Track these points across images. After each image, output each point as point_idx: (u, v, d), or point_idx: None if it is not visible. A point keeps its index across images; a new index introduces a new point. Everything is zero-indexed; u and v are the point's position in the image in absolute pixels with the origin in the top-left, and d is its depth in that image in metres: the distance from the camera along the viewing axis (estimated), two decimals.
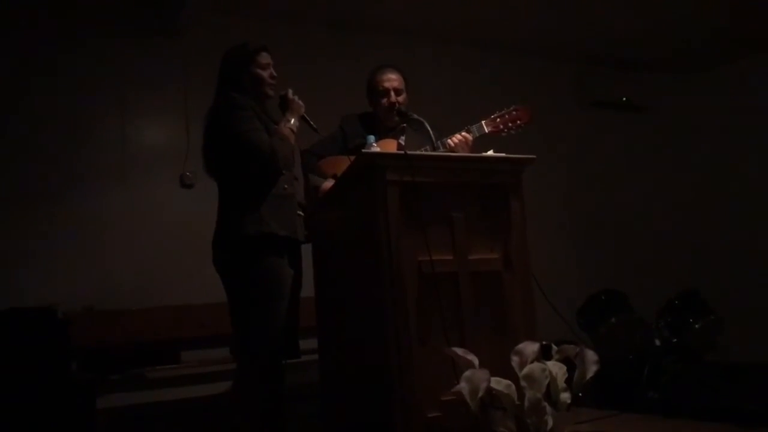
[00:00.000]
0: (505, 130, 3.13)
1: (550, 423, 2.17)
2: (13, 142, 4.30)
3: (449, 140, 3.10)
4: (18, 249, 4.17)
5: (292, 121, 2.97)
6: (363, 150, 2.58)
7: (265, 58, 2.99)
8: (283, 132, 2.90)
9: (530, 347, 2.28)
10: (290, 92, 3.03)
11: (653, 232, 6.46)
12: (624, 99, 6.51)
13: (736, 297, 5.50)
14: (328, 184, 3.14)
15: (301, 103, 3.02)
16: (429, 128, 2.92)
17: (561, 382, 2.25)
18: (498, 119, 3.14)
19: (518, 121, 3.13)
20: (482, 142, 3.11)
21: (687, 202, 6.59)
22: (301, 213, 2.97)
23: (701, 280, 5.13)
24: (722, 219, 6.42)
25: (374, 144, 2.76)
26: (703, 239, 6.44)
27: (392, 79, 3.29)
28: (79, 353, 3.84)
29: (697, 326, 4.18)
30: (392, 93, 3.26)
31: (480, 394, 2.15)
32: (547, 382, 2.21)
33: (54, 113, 4.42)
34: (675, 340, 4.15)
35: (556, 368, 2.26)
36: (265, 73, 2.98)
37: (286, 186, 2.88)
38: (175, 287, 4.40)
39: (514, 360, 2.26)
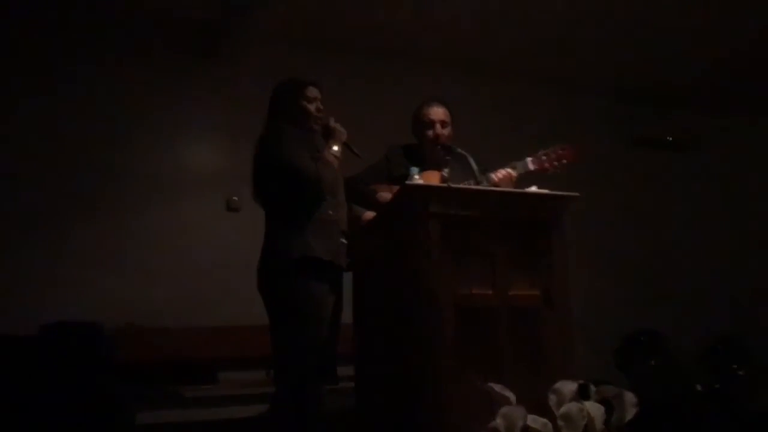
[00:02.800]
0: (550, 169, 3.12)
1: None
2: (66, 156, 4.46)
3: (493, 175, 3.11)
4: (67, 264, 4.30)
5: (335, 147, 3.03)
6: (407, 181, 2.61)
7: (312, 92, 3.07)
8: (326, 158, 2.96)
9: (568, 386, 2.27)
10: (332, 120, 3.10)
11: (695, 275, 6.33)
12: (669, 138, 6.46)
13: None
14: (370, 214, 3.17)
15: (343, 130, 3.09)
16: (472, 162, 2.94)
17: (599, 424, 2.23)
18: (543, 157, 3.14)
19: (564, 160, 3.12)
20: (527, 179, 3.11)
21: (732, 245, 6.46)
22: (344, 240, 3.01)
23: (743, 327, 5.01)
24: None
25: (417, 176, 2.80)
26: (747, 285, 6.29)
27: (438, 113, 3.32)
28: (120, 369, 3.91)
29: (741, 374, 4.08)
30: (438, 126, 3.29)
31: (516, 431, 2.14)
32: (584, 422, 2.20)
33: (109, 132, 4.59)
34: (717, 386, 4.06)
35: (594, 409, 2.25)
36: (311, 107, 3.05)
37: (330, 212, 2.93)
38: (216, 308, 4.48)
39: (552, 398, 2.25)
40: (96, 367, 3.53)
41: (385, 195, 3.11)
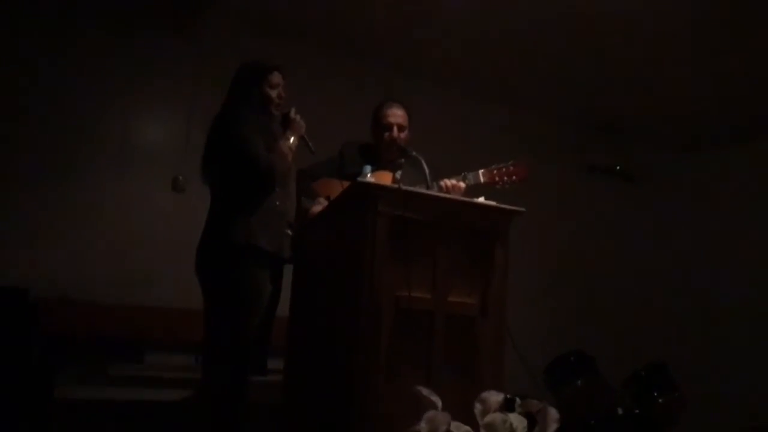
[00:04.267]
0: (500, 183, 3.18)
1: None
2: (12, 120, 4.32)
3: (443, 182, 3.15)
4: (2, 226, 4.16)
5: (292, 139, 3.01)
6: (358, 179, 2.61)
7: (276, 78, 3.04)
8: (281, 149, 2.94)
9: (494, 397, 2.30)
10: (293, 111, 3.08)
11: (635, 300, 6.53)
12: (618, 167, 6.67)
13: (706, 375, 5.55)
14: (318, 207, 3.16)
15: (302, 123, 3.07)
16: (426, 167, 2.96)
17: None
18: (495, 171, 3.19)
19: (514, 176, 3.17)
20: (478, 190, 3.15)
21: (670, 274, 6.68)
22: (289, 232, 2.99)
23: (676, 354, 5.16)
24: (703, 294, 6.50)
25: (370, 174, 2.80)
26: (685, 312, 6.52)
27: (397, 115, 3.33)
28: (44, 339, 3.80)
29: (660, 400, 4.19)
30: (395, 128, 3.30)
31: None
32: None
33: (58, 101, 4.46)
34: (637, 411, 4.15)
35: (518, 421, 2.28)
36: (273, 93, 3.02)
37: (278, 202, 2.91)
38: (151, 288, 4.40)
39: (477, 407, 2.27)
40: (17, 335, 3.41)
41: (317, 207, 3.11)
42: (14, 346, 3.42)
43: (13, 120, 4.32)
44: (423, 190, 2.93)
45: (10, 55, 4.36)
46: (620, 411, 4.13)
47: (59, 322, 3.93)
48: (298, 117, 3.07)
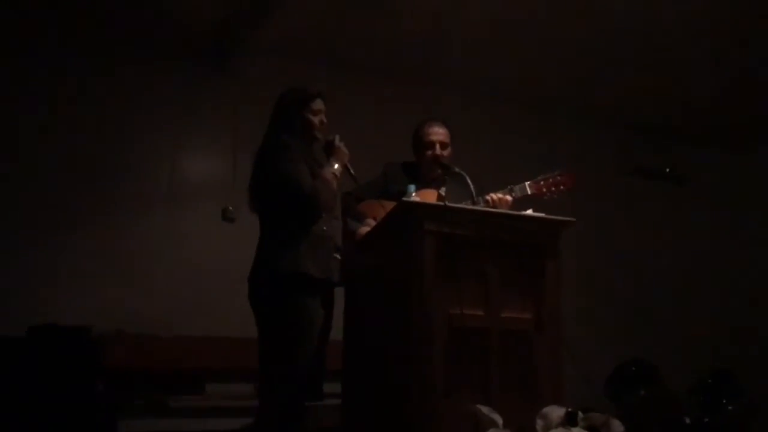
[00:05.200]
0: (548, 194, 3.13)
1: None
2: (66, 162, 4.47)
3: (489, 197, 3.12)
4: (61, 266, 4.30)
5: (336, 166, 3.02)
6: (403, 198, 2.61)
7: (318, 104, 3.05)
8: (326, 176, 2.95)
9: (556, 412, 2.25)
10: (337, 138, 3.09)
11: (690, 305, 6.33)
12: (667, 170, 6.49)
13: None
14: (365, 229, 3.17)
15: (346, 151, 3.07)
16: (470, 183, 2.94)
17: None
18: (542, 182, 3.15)
19: (561, 186, 3.13)
20: (524, 202, 3.12)
21: (727, 278, 6.46)
22: (337, 256, 3.00)
23: (739, 361, 4.99)
24: (763, 299, 6.27)
25: (414, 193, 2.79)
26: (741, 318, 6.28)
27: (438, 133, 3.33)
28: (107, 374, 3.88)
29: (730, 408, 4.05)
30: (437, 146, 3.30)
31: None
32: None
33: (108, 139, 4.60)
34: (707, 420, 4.03)
35: None
36: (315, 119, 3.04)
37: (325, 228, 2.93)
38: (206, 318, 4.47)
39: (539, 423, 2.23)
40: (81, 372, 3.50)
41: (364, 229, 3.11)
42: (79, 382, 3.51)
43: (64, 162, 4.47)
44: (469, 206, 2.92)
45: (58, 97, 4.53)
46: (688, 420, 4.02)
47: (121, 357, 4.01)
48: (342, 144, 3.07)
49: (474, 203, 2.98)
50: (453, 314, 2.40)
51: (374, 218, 3.12)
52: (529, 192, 3.15)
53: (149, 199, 4.66)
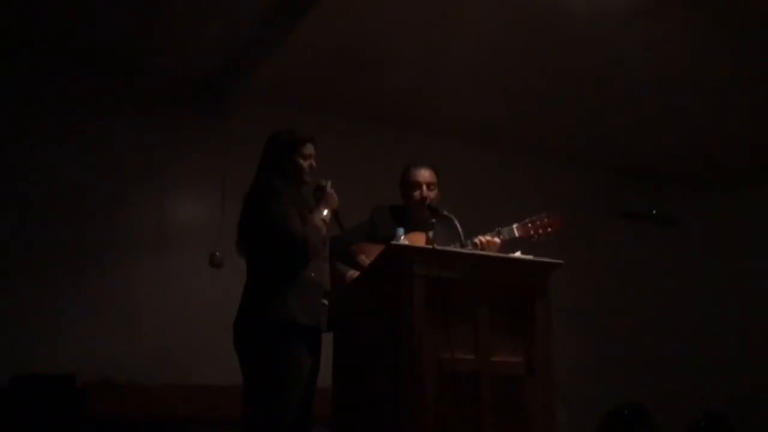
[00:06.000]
0: (535, 236, 3.14)
1: None
2: (50, 207, 4.45)
3: (477, 239, 3.12)
4: (44, 314, 4.24)
5: (325, 212, 3.01)
6: (392, 242, 2.61)
7: (309, 149, 3.04)
8: (315, 222, 2.94)
9: None
10: (329, 185, 3.08)
11: (681, 347, 6.31)
12: (654, 212, 6.55)
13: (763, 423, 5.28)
14: (354, 273, 3.16)
15: (336, 198, 3.07)
16: (458, 225, 2.95)
17: None
18: (529, 224, 3.16)
19: (549, 228, 3.14)
20: (513, 245, 3.12)
21: (718, 320, 6.46)
22: (325, 302, 2.98)
23: (731, 403, 4.95)
24: (755, 343, 6.25)
25: (403, 236, 2.79)
26: (733, 360, 6.26)
27: (425, 175, 3.34)
28: (92, 424, 3.80)
29: None
30: (425, 187, 3.31)
31: None
32: None
33: (94, 183, 4.59)
34: None
35: None
36: (305, 164, 3.03)
37: (313, 274, 2.90)
38: (193, 365, 4.40)
39: None
40: (66, 422, 3.42)
41: (367, 256, 3.10)
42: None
43: (49, 207, 4.44)
44: (458, 249, 2.92)
45: (41, 139, 4.53)
46: None
47: (105, 406, 3.94)
48: (333, 192, 3.07)
49: (462, 246, 2.99)
50: (444, 358, 2.38)
51: (367, 258, 3.11)
52: (516, 234, 3.15)
53: (135, 242, 4.63)
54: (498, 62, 4.76)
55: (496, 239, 3.13)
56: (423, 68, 4.84)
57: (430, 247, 2.57)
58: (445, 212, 3.07)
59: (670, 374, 6.03)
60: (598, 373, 5.71)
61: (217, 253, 4.66)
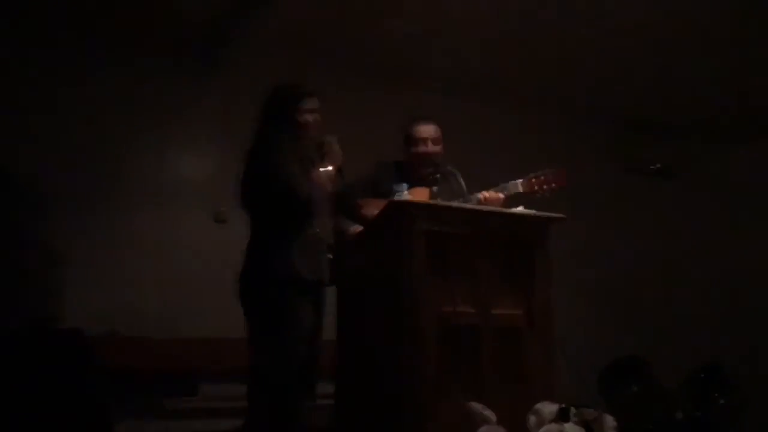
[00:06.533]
0: (539, 191, 3.14)
1: None
2: (56, 158, 4.43)
3: (481, 195, 3.13)
4: (51, 268, 4.27)
5: (330, 168, 3.00)
6: (395, 197, 2.62)
7: (313, 103, 2.99)
8: (319, 178, 2.93)
9: (548, 408, 2.27)
10: (334, 140, 3.03)
11: (681, 300, 6.36)
12: (657, 165, 6.53)
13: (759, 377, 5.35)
14: (357, 228, 3.17)
15: (341, 153, 3.03)
16: (461, 181, 2.96)
17: None
18: (533, 180, 3.15)
19: (553, 184, 3.13)
20: (516, 200, 3.12)
21: (717, 272, 6.49)
22: (330, 255, 3.00)
23: (729, 355, 5.01)
24: (754, 295, 6.29)
25: (406, 192, 2.80)
26: (732, 312, 6.32)
27: (428, 130, 3.33)
28: (100, 377, 3.87)
29: (721, 402, 4.08)
30: (429, 142, 3.30)
31: None
32: None
33: (94, 138, 4.56)
34: (698, 414, 4.05)
35: (574, 431, 2.24)
36: (311, 118, 2.98)
37: (318, 229, 2.92)
38: (199, 319, 4.45)
39: (532, 419, 2.25)
40: (74, 373, 3.48)
41: (371, 211, 3.11)
42: (73, 385, 3.49)
43: (50, 165, 4.43)
44: (460, 204, 2.93)
45: (45, 98, 4.49)
46: (679, 415, 4.05)
47: (113, 359, 3.99)
48: (337, 147, 3.03)
49: (466, 201, 3.00)
50: (445, 312, 2.41)
51: (372, 213, 3.11)
52: (520, 190, 3.15)
53: (138, 197, 4.63)
54: (496, 15, 4.68)
55: (500, 194, 3.13)
56: (421, 20, 4.76)
57: (432, 201, 2.59)
58: (449, 167, 3.08)
59: (669, 327, 6.10)
60: (599, 326, 5.77)
61: (222, 209, 4.67)
